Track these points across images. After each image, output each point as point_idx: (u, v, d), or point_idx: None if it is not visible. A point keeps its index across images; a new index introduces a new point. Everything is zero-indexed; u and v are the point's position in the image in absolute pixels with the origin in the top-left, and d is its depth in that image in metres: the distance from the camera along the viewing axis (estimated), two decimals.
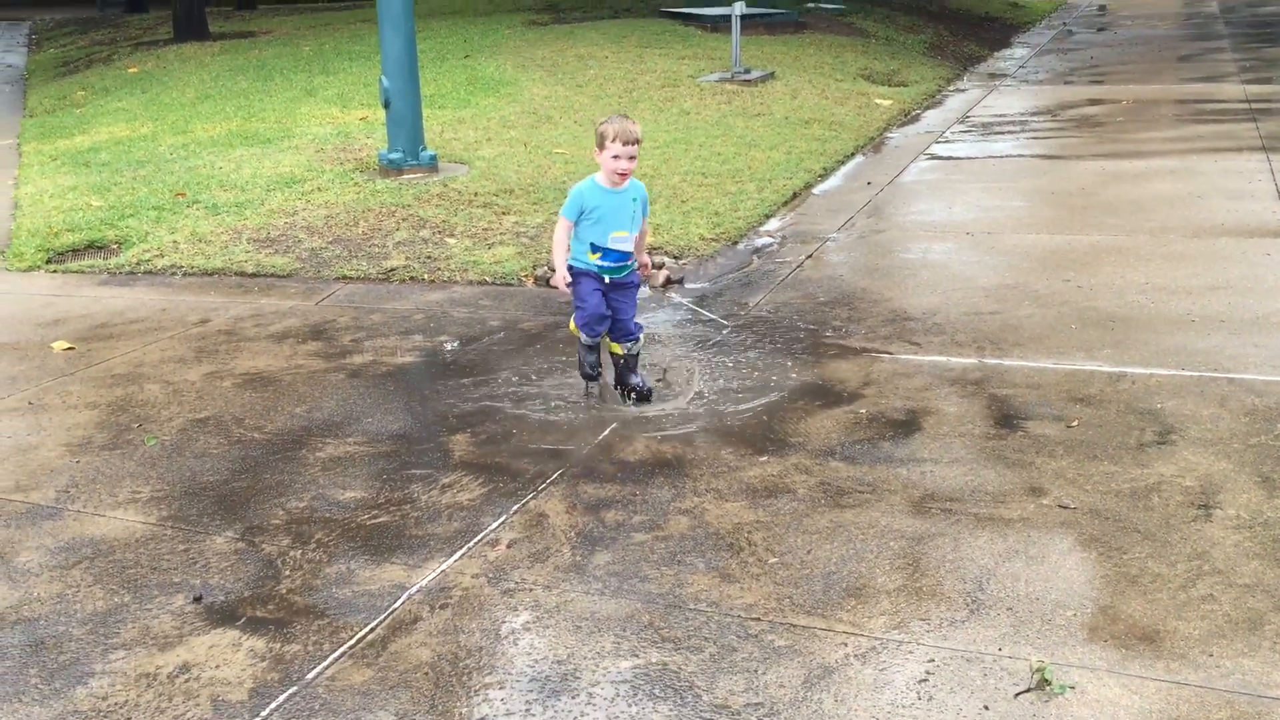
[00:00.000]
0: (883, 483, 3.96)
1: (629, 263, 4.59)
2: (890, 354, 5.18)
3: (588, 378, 4.78)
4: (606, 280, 4.56)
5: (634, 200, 4.52)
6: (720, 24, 14.70)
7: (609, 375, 4.81)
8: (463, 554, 3.56)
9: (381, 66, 8.56)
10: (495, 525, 3.74)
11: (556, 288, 4.64)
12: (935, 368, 4.99)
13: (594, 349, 4.73)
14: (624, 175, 4.45)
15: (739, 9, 12.32)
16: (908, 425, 4.42)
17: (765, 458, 4.19)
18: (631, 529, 3.69)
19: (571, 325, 4.72)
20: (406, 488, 4.03)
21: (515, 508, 3.86)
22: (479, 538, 3.66)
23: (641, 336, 4.73)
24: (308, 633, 3.16)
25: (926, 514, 3.72)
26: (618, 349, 4.69)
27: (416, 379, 5.06)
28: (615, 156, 4.39)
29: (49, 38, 21.26)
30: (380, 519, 3.80)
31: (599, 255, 4.51)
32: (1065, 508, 3.72)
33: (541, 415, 4.63)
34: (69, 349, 5.51)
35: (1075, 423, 4.37)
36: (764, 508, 3.80)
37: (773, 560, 3.47)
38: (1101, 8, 22.54)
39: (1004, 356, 5.08)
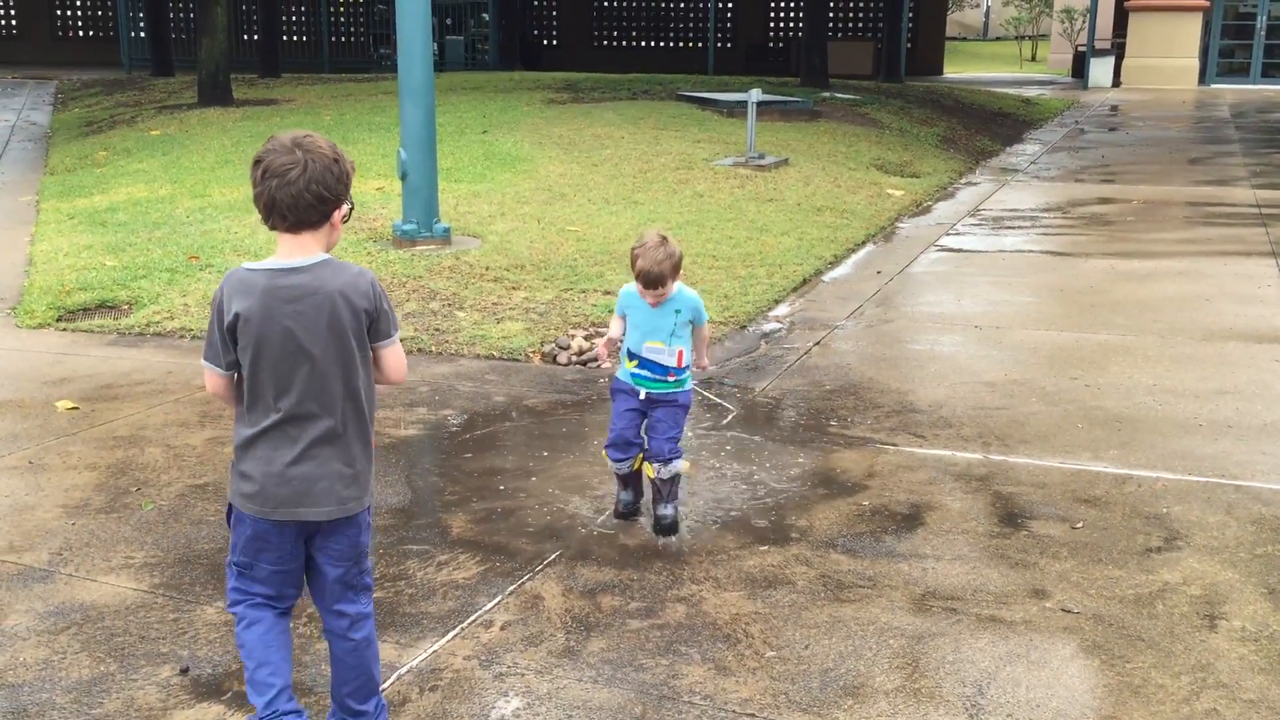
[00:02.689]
0: (884, 577, 3.91)
1: (668, 380, 4.17)
2: (895, 446, 5.15)
3: (618, 515, 4.36)
4: (643, 395, 4.20)
5: (676, 313, 4.12)
6: (736, 109, 14.90)
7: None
8: (455, 634, 3.51)
9: (400, 139, 8.67)
10: (490, 605, 3.69)
11: (600, 352, 4.36)
12: (940, 462, 4.96)
13: (627, 483, 4.32)
14: (654, 302, 4.10)
15: (755, 95, 12.50)
16: (911, 519, 4.38)
17: (766, 547, 4.14)
18: (627, 615, 3.64)
19: (601, 450, 4.39)
20: (402, 563, 3.98)
21: (511, 589, 3.81)
22: (473, 618, 3.61)
23: (680, 463, 4.22)
24: None
25: (927, 612, 3.67)
26: (649, 470, 4.24)
27: (417, 453, 5.04)
28: (641, 289, 4.08)
29: (75, 97, 21.61)
30: (374, 595, 3.75)
31: (635, 364, 4.18)
32: (1068, 612, 3.67)
33: (541, 495, 4.59)
34: (73, 409, 5.51)
35: (1080, 524, 4.33)
36: (763, 599, 3.75)
37: (770, 654, 3.42)
38: (1113, 108, 22.83)
39: (1010, 453, 5.05)
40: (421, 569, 3.94)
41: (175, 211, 9.85)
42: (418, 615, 3.62)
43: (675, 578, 3.91)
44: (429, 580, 3.86)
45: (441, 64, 29.48)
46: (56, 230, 9.45)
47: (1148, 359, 6.39)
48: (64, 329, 6.94)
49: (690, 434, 5.27)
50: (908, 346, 6.73)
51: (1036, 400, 5.74)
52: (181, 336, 6.77)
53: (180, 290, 7.50)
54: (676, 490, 4.30)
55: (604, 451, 4.31)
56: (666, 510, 4.25)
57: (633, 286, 4.14)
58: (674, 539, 4.19)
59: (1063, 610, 3.67)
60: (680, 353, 4.17)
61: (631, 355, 4.18)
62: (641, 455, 4.26)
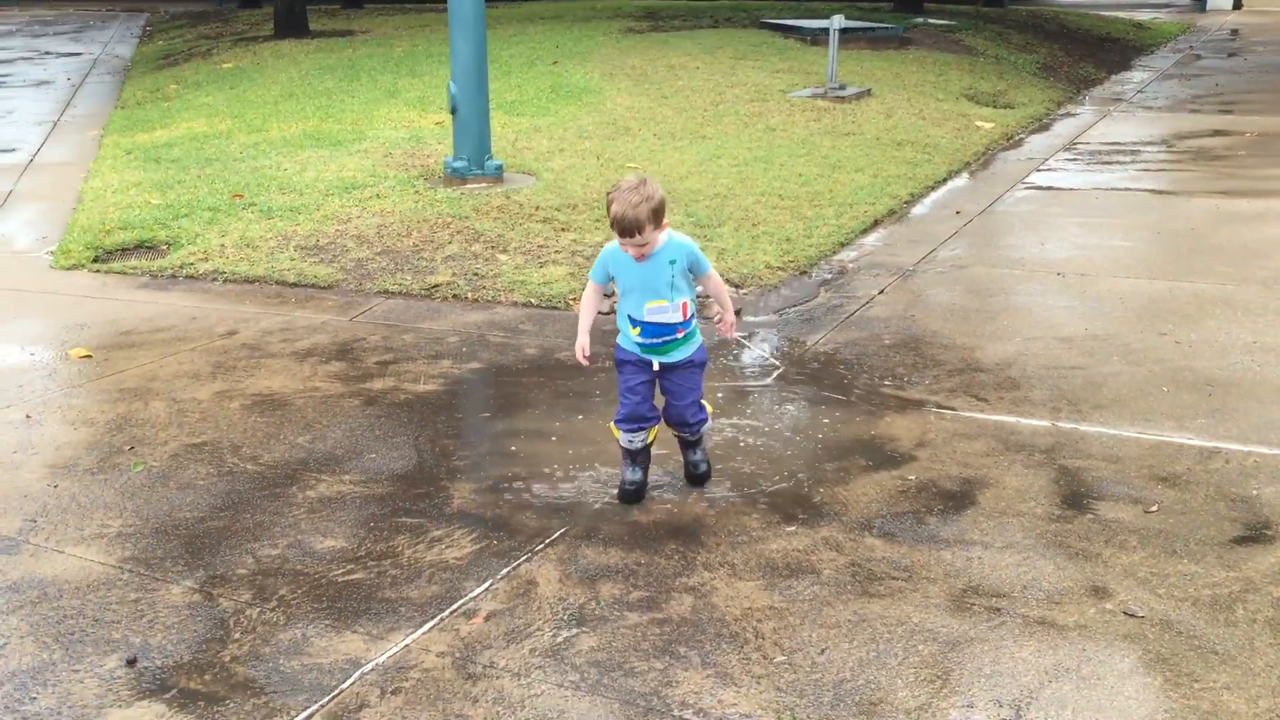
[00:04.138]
0: (922, 568, 3.47)
1: (677, 338, 3.76)
2: (953, 410, 4.67)
3: (624, 497, 3.88)
4: (656, 366, 3.79)
5: (670, 263, 3.68)
6: (820, 37, 14.18)
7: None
8: (433, 625, 3.18)
9: (451, 72, 8.28)
10: (478, 592, 3.35)
11: (577, 355, 3.85)
12: (1001, 430, 4.47)
13: (636, 459, 3.88)
14: (639, 258, 3.67)
15: (838, 22, 11.80)
16: (960, 498, 3.92)
17: (793, 528, 3.73)
18: (627, 607, 3.27)
19: (611, 425, 3.92)
20: (392, 539, 3.66)
21: (504, 571, 3.46)
22: (455, 606, 3.27)
23: (705, 428, 3.92)
24: (238, 714, 2.80)
25: (967, 611, 3.23)
26: (675, 432, 3.96)
27: (432, 412, 4.71)
28: (619, 240, 3.65)
29: (161, 29, 21.60)
30: (354, 575, 3.44)
31: (639, 331, 3.75)
32: (1132, 615, 3.20)
33: (557, 462, 4.23)
34: (86, 356, 5.29)
35: (1155, 507, 3.82)
36: (781, 590, 3.35)
37: (780, 658, 3.02)
38: (1233, 32, 21.41)
39: (1082, 420, 4.54)
40: (411, 546, 3.61)
41: (230, 147, 9.62)
42: (396, 601, 3.30)
43: (687, 562, 3.52)
44: (417, 560, 3.53)
45: None
46: (111, 166, 9.29)
47: (1249, 312, 5.77)
48: (97, 270, 6.74)
49: (726, 394, 4.85)
50: (980, 296, 6.19)
51: (1118, 359, 5.19)
52: (213, 279, 6.52)
53: (220, 230, 7.25)
54: (705, 441, 4.03)
55: (612, 426, 3.90)
56: (697, 455, 4.00)
57: (616, 243, 3.72)
58: (703, 491, 3.90)
59: (1125, 614, 3.20)
60: (684, 305, 3.76)
61: (634, 322, 3.74)
62: (656, 428, 3.86)
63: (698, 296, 3.90)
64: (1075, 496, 3.92)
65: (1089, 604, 3.26)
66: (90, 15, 24.80)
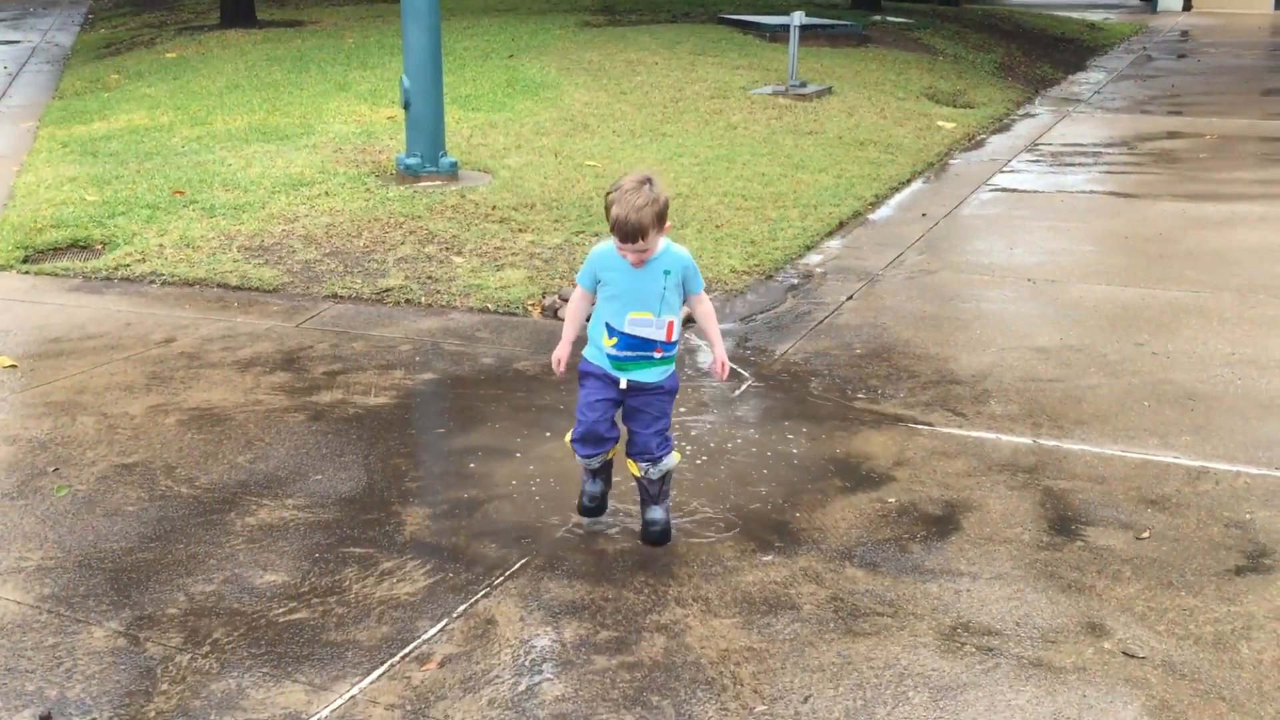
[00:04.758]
0: (907, 602, 3.26)
1: (654, 357, 3.44)
2: (930, 425, 4.47)
3: (584, 512, 3.65)
4: (623, 385, 3.45)
5: (665, 273, 3.38)
6: (780, 34, 13.99)
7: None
8: (383, 672, 2.92)
9: (404, 65, 7.97)
10: (432, 633, 3.09)
11: (555, 365, 3.55)
12: (982, 447, 4.28)
13: (597, 474, 3.62)
14: (637, 264, 3.37)
15: (798, 18, 11.61)
16: (944, 523, 3.71)
17: (770, 557, 3.50)
18: (594, 649, 3.03)
19: (567, 439, 3.63)
20: (339, 572, 3.39)
21: (461, 609, 3.21)
22: (407, 650, 3.01)
23: (672, 458, 3.55)
24: None
25: (958, 652, 3.02)
26: (634, 468, 3.55)
27: (383, 427, 4.43)
28: (619, 245, 3.34)
29: (104, 17, 20.98)
30: (297, 614, 3.17)
31: (614, 342, 3.42)
32: (1132, 656, 3.00)
33: (518, 482, 3.98)
34: (10, 366, 4.95)
35: (1146, 533, 3.64)
36: (759, 629, 3.12)
37: (760, 707, 2.79)
38: (1184, 33, 21.51)
39: (1063, 437, 4.35)
40: (360, 580, 3.35)
41: (171, 140, 9.24)
42: (342, 645, 3.03)
43: (658, 597, 3.28)
44: (366, 596, 3.26)
45: None
46: (46, 160, 8.88)
47: (1224, 321, 5.63)
48: (26, 271, 6.38)
49: (692, 407, 4.62)
50: (951, 303, 6.00)
51: (1096, 371, 5.02)
52: (151, 282, 6.18)
53: (158, 229, 6.91)
54: (668, 488, 3.64)
55: (568, 442, 3.61)
56: (657, 514, 3.59)
57: (607, 245, 3.44)
58: (664, 549, 3.56)
59: (1125, 654, 3.01)
60: (670, 324, 3.45)
61: (610, 331, 3.44)
62: (614, 448, 3.60)
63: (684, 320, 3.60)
64: (1063, 521, 3.73)
65: (1086, 643, 3.06)
66: (31, 2, 24.09)
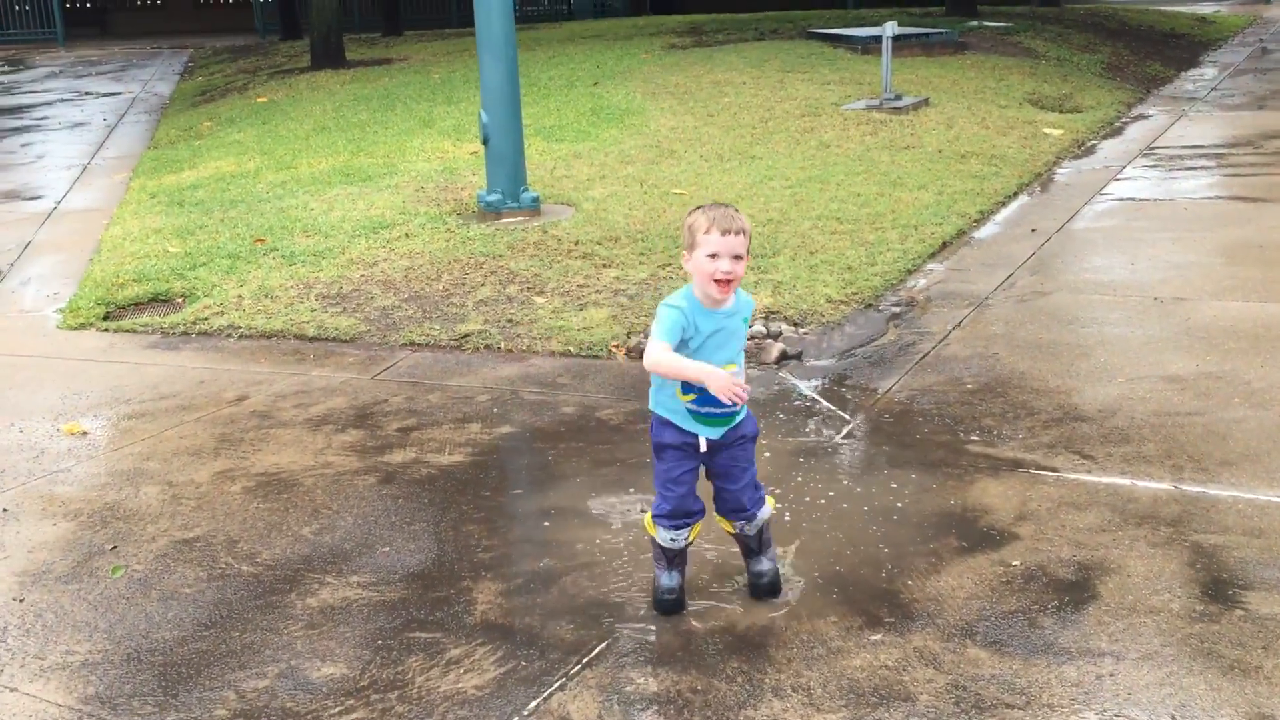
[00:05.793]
0: (1041, 690, 2.84)
1: (736, 409, 3.14)
2: (1055, 471, 4.03)
3: (662, 608, 3.25)
4: (703, 447, 3.14)
5: (744, 321, 3.17)
6: (871, 45, 13.53)
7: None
8: None
9: (481, 100, 7.76)
10: None
11: (731, 390, 3.00)
12: (1115, 495, 3.82)
13: (674, 562, 3.26)
14: (727, 284, 3.02)
15: (890, 29, 11.17)
16: (1078, 590, 3.28)
17: (879, 635, 3.11)
18: None
19: (647, 519, 3.28)
20: (402, 662, 3.10)
21: (532, 705, 2.88)
22: None
23: (768, 508, 3.30)
24: None
25: None
26: (728, 526, 3.30)
27: (457, 489, 4.15)
28: (713, 255, 2.99)
29: (203, 65, 21.40)
30: (354, 715, 2.88)
31: (693, 397, 3.10)
32: None
33: (596, 550, 3.65)
34: (82, 433, 4.79)
35: None
36: None
37: None
38: None
39: (1209, 481, 3.88)
40: (424, 672, 3.04)
41: (256, 187, 9.18)
42: None
43: (753, 686, 2.92)
44: (429, 691, 2.96)
45: (569, 13, 28.55)
46: (134, 212, 8.88)
47: None
48: (106, 328, 6.27)
49: (788, 455, 4.24)
50: (1070, 328, 5.53)
51: (1240, 402, 4.51)
52: (228, 335, 6.02)
53: (238, 279, 6.77)
54: (768, 536, 3.36)
55: (648, 522, 3.27)
56: (764, 565, 3.33)
57: (687, 297, 3.10)
58: (774, 601, 3.28)
59: None
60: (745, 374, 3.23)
61: (688, 387, 3.11)
62: (700, 524, 3.26)
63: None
64: (1218, 585, 3.26)
65: None
66: (135, 54, 24.73)
